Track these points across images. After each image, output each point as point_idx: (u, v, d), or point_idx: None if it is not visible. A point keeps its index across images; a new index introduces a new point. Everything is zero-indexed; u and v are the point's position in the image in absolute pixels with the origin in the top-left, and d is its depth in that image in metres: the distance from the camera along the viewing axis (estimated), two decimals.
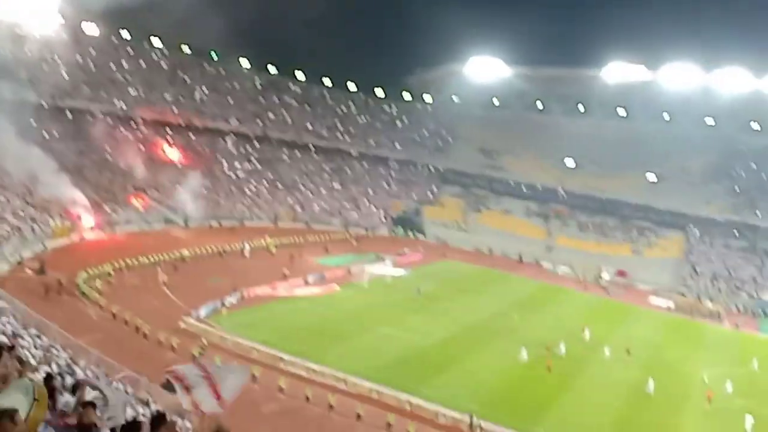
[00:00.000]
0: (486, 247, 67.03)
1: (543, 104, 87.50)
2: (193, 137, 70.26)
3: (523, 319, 42.42)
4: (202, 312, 34.74)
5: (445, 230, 70.91)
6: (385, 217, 72.84)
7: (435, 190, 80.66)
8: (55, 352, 24.90)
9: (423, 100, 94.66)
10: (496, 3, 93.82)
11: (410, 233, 70.52)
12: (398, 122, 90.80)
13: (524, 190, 77.76)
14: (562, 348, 35.93)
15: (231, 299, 37.66)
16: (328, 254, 54.52)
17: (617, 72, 76.99)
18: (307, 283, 44.41)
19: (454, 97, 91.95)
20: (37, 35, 58.98)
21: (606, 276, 60.39)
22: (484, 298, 47.61)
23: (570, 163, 79.04)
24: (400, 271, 51.23)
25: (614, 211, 72.93)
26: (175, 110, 70.21)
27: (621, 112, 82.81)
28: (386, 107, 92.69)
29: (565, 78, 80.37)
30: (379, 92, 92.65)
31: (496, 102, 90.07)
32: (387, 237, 68.73)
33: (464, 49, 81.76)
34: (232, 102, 77.79)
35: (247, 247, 50.19)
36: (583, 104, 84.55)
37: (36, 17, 59.54)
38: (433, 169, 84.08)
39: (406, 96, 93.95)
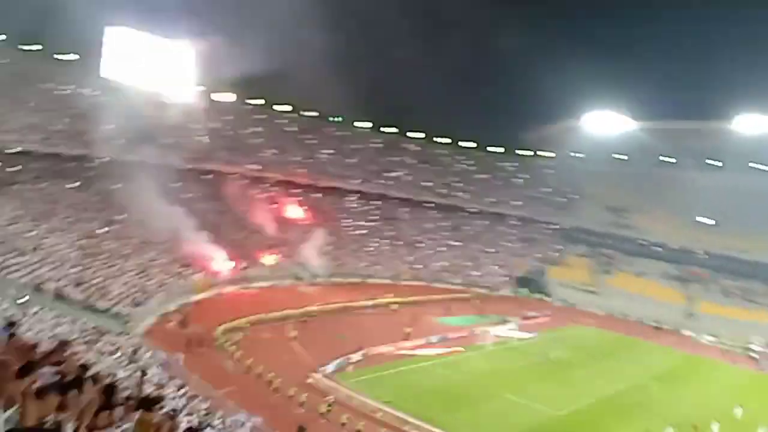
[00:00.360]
0: (619, 312, 63.60)
1: (671, 159, 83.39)
2: (318, 196, 73.13)
3: (665, 394, 39.21)
4: (329, 368, 35.26)
5: (572, 292, 68.19)
6: (508, 277, 71.31)
7: (560, 249, 78.29)
8: (195, 403, 26.07)
9: (543, 155, 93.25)
10: (617, 56, 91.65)
11: (535, 294, 68.49)
12: (518, 179, 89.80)
13: (657, 250, 73.60)
14: (715, 429, 32.62)
15: (356, 357, 38.01)
16: (450, 314, 53.96)
17: (749, 124, 72.25)
18: (429, 343, 44.03)
19: (576, 153, 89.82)
20: (178, 103, 64.43)
21: (756, 347, 55.22)
22: (619, 368, 44.50)
23: (706, 221, 74.17)
24: (526, 335, 49.66)
25: (761, 275, 67.10)
26: (302, 171, 73.66)
27: (757, 165, 77.23)
28: (505, 164, 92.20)
29: (692, 131, 76.16)
30: (497, 149, 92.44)
31: (620, 157, 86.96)
32: (510, 297, 67.09)
33: (584, 103, 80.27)
34: (354, 162, 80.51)
35: (370, 304, 50.86)
36: (714, 158, 79.66)
37: (177, 86, 65.26)
38: (556, 227, 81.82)
39: (525, 152, 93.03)
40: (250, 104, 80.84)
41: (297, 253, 58.53)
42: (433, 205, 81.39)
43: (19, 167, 50.28)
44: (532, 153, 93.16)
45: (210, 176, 64.85)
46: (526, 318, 55.30)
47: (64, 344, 5.03)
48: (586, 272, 72.38)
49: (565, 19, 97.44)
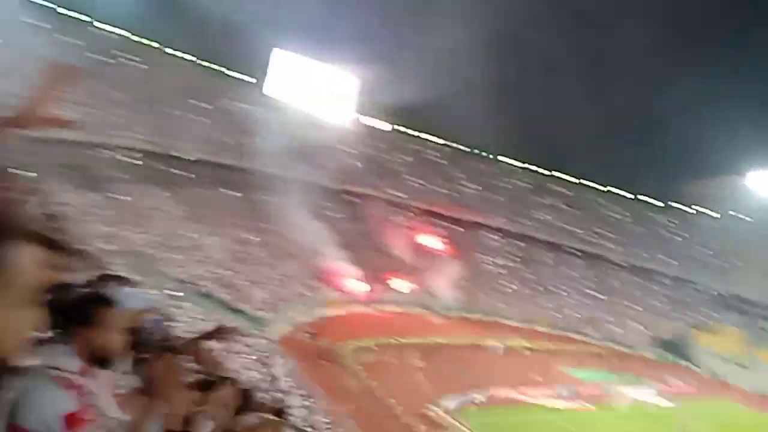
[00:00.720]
0: None
1: None
2: (459, 230, 72.94)
3: None
4: (451, 403, 34.82)
5: (720, 363, 62.12)
6: (651, 338, 66.60)
7: (712, 315, 72.01)
8: (317, 416, 26.78)
9: (704, 213, 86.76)
10: None
11: (679, 360, 63.31)
12: (674, 235, 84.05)
13: None
14: None
15: (479, 396, 37.23)
16: (583, 367, 51.24)
17: None
18: (558, 394, 42.13)
19: (741, 215, 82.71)
20: (334, 126, 67.43)
21: None
22: None
23: None
24: (665, 402, 45.98)
25: None
26: (446, 203, 74.00)
27: None
28: (661, 217, 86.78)
29: None
30: (655, 201, 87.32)
31: None
32: (651, 360, 62.29)
33: (751, 161, 74.17)
34: (500, 199, 79.56)
35: (499, 345, 49.68)
36: None
37: (335, 110, 68.46)
38: (711, 292, 75.40)
39: (684, 207, 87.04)
40: (402, 132, 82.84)
41: (431, 283, 58.60)
42: (579, 253, 78.17)
43: (190, 174, 55.12)
44: (691, 209, 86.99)
45: (355, 199, 67.01)
46: (667, 384, 51.20)
47: (224, 329, 5.19)
48: (737, 343, 65.72)
49: (734, 69, 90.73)
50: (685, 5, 78.80)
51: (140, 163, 52.00)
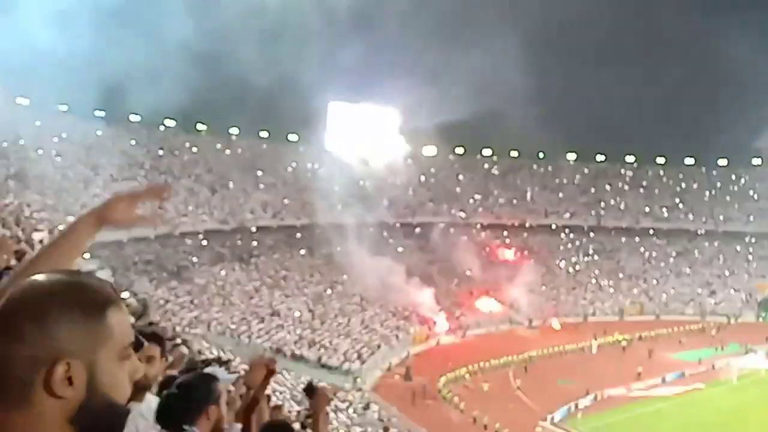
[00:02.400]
0: None
1: None
2: (528, 236, 72.32)
3: None
4: (557, 416, 34.43)
5: None
6: (749, 301, 63.71)
7: None
8: None
9: None
10: None
11: None
12: (751, 192, 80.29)
13: None
14: None
15: (584, 401, 36.65)
16: (685, 348, 49.42)
17: None
18: (664, 381, 40.95)
19: None
20: (386, 162, 68.68)
21: None
22: None
23: None
24: None
25: None
26: (509, 212, 73.66)
27: None
28: (733, 177, 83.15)
29: None
30: (723, 162, 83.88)
31: None
32: (753, 324, 59.44)
33: None
34: (562, 196, 78.45)
35: (594, 344, 48.71)
36: None
37: (385, 147, 69.90)
38: None
39: (756, 161, 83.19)
40: (453, 153, 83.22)
41: (511, 297, 58.24)
42: (653, 231, 75.92)
43: (260, 242, 57.26)
44: (763, 162, 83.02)
45: (419, 228, 67.61)
46: None
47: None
48: None
49: None
50: None
51: (210, 243, 54.33)
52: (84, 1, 46.26)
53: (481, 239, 69.42)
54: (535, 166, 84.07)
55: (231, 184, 60.32)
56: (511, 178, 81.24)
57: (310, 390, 5.04)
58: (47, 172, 45.44)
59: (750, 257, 71.21)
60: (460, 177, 78.62)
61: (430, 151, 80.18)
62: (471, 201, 74.28)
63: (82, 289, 1.09)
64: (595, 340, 49.42)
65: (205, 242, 54.29)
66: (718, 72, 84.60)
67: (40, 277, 1.12)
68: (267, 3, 57.41)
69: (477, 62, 64.11)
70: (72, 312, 1.05)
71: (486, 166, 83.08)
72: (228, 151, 66.20)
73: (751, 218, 74.97)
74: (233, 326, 42.52)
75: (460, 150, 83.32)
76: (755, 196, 78.87)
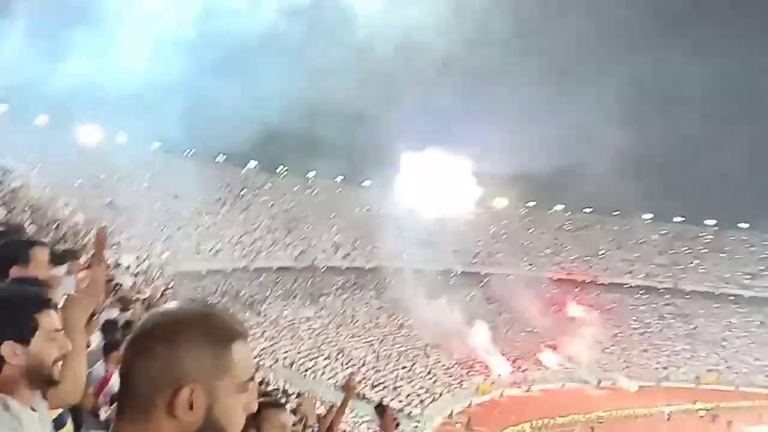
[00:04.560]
0: None
1: None
2: (600, 294, 70.69)
3: None
4: None
5: None
6: None
7: None
8: None
9: None
10: None
11: None
12: None
13: None
14: None
15: None
16: (765, 423, 46.71)
17: None
18: None
19: None
20: (458, 211, 69.21)
21: None
22: None
23: None
24: None
25: None
26: (582, 268, 72.37)
27: None
28: None
29: None
30: None
31: None
32: None
33: None
34: (637, 256, 76.53)
35: (667, 411, 46.77)
36: None
37: (457, 196, 70.66)
38: None
39: None
40: (525, 206, 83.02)
41: (581, 354, 56.81)
42: (735, 297, 72.67)
43: (331, 282, 58.65)
44: None
45: (486, 279, 67.32)
46: None
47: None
48: None
49: None
50: None
51: (282, 279, 56.07)
52: (182, 44, 50.21)
53: (550, 294, 68.33)
54: (609, 224, 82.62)
55: (305, 225, 62.33)
56: (583, 234, 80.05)
57: (381, 409, 5.72)
58: (138, 204, 48.52)
59: None
60: (531, 230, 78.15)
61: (501, 202, 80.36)
62: (541, 255, 73.57)
63: (212, 321, 1.19)
64: (669, 406, 47.43)
65: (277, 278, 56.10)
66: None
67: (174, 307, 1.22)
68: (351, 53, 60.17)
69: (556, 115, 64.55)
70: (201, 340, 1.15)
71: (558, 220, 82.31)
72: (305, 192, 68.61)
73: None
74: (300, 361, 43.45)
75: (531, 203, 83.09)
76: None
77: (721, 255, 78.22)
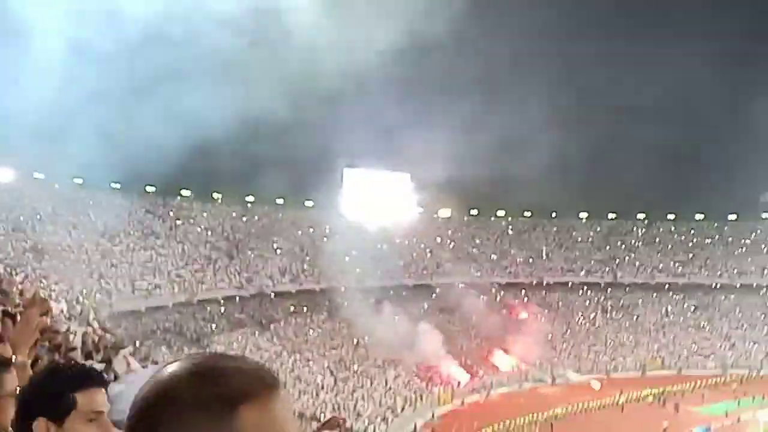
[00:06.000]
0: None
1: None
2: (546, 294, 72.38)
3: None
4: None
5: None
6: None
7: None
8: None
9: None
10: None
11: None
12: (763, 246, 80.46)
13: None
14: None
15: None
16: (709, 402, 48.59)
17: None
18: None
19: None
20: (403, 226, 69.57)
21: None
22: None
23: None
24: None
25: None
26: (526, 271, 74.02)
27: None
28: (744, 230, 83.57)
29: None
30: (732, 216, 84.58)
31: None
32: None
33: None
34: (577, 254, 78.87)
35: (619, 400, 48.07)
36: None
37: (400, 212, 71.02)
38: None
39: (766, 215, 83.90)
40: (468, 215, 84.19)
41: (532, 355, 57.79)
42: (670, 285, 75.85)
43: (279, 307, 57.43)
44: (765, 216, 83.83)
45: (438, 290, 67.70)
46: None
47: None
48: None
49: None
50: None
51: (229, 309, 54.52)
52: (100, 64, 47.46)
53: (500, 298, 69.46)
54: (548, 226, 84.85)
55: (248, 251, 60.96)
56: (525, 237, 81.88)
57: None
58: (64, 245, 46.21)
59: (767, 309, 70.73)
60: (476, 238, 79.29)
61: (445, 212, 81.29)
62: (487, 261, 74.73)
63: (210, 381, 0.88)
64: (620, 396, 48.76)
65: (223, 309, 54.51)
66: (724, 130, 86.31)
67: (172, 370, 0.91)
68: (283, 73, 59.30)
69: (492, 123, 65.87)
70: (199, 411, 0.85)
71: (500, 226, 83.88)
72: (244, 218, 67.16)
73: (766, 271, 74.94)
74: None
75: (474, 211, 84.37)
76: (767, 250, 79.09)
77: (653, 246, 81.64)
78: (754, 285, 73.70)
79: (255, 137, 60.00)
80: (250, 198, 70.22)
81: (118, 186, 59.58)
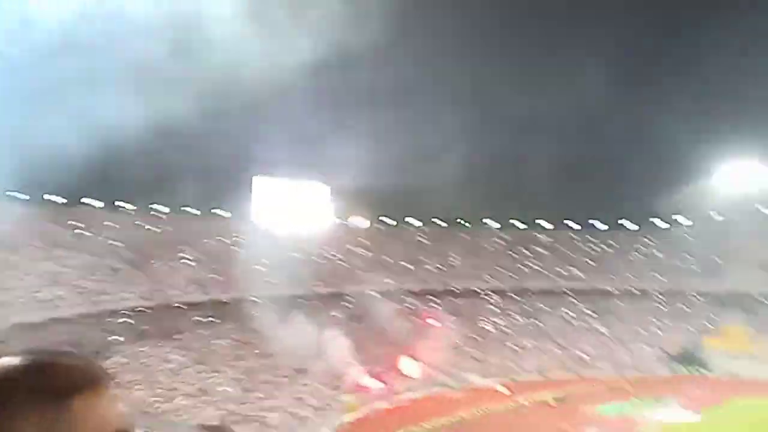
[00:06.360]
0: None
1: None
2: (455, 301, 74.19)
3: None
4: None
5: (733, 361, 62.89)
6: (662, 355, 67.25)
7: (713, 317, 72.83)
8: None
9: (679, 223, 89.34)
10: (744, 102, 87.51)
11: (693, 370, 63.97)
12: (656, 252, 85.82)
13: None
14: None
15: None
16: (605, 403, 51.42)
17: None
18: None
19: (714, 213, 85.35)
20: (317, 235, 69.74)
21: None
22: None
23: None
24: (689, 415, 46.30)
25: None
26: (437, 278, 75.64)
27: None
28: (639, 238, 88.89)
29: None
30: (629, 224, 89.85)
31: (765, 210, 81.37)
32: (667, 377, 62.85)
33: (715, 159, 77.22)
34: (485, 262, 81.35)
35: (524, 403, 50.05)
36: None
37: (314, 221, 71.13)
38: (706, 296, 76.36)
39: (659, 223, 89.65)
40: (380, 223, 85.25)
41: (439, 361, 59.13)
42: (571, 291, 79.55)
43: (187, 319, 56.16)
44: (668, 223, 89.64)
45: (349, 298, 68.13)
46: (687, 396, 51.48)
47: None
48: (744, 338, 66.62)
49: (671, 74, 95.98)
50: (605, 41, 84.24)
51: (133, 321, 52.94)
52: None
53: (411, 306, 70.58)
54: (458, 233, 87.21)
55: (155, 261, 59.37)
56: (436, 245, 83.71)
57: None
58: None
59: (661, 314, 75.35)
60: (387, 246, 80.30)
61: (357, 221, 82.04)
62: (399, 269, 75.77)
63: (45, 374, 0.95)
64: (524, 399, 50.77)
65: (128, 320, 52.93)
66: (623, 142, 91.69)
67: (8, 362, 0.98)
68: (198, 81, 58.24)
69: (404, 133, 67.36)
70: (29, 400, 0.90)
71: (412, 234, 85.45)
72: (152, 228, 65.43)
73: (658, 276, 79.85)
74: (158, 405, 41.30)
75: (386, 219, 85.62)
76: (661, 256, 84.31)
77: (557, 254, 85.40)
78: (648, 290, 78.49)
79: (165, 145, 58.70)
80: (158, 207, 68.56)
81: (15, 194, 56.98)
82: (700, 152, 76.83)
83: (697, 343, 68.05)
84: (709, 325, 71.34)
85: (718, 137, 75.76)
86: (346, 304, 67.03)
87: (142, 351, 49.91)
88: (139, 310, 53.86)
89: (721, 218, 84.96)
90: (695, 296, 76.71)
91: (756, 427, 43.78)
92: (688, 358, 65.77)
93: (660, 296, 77.76)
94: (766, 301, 70.78)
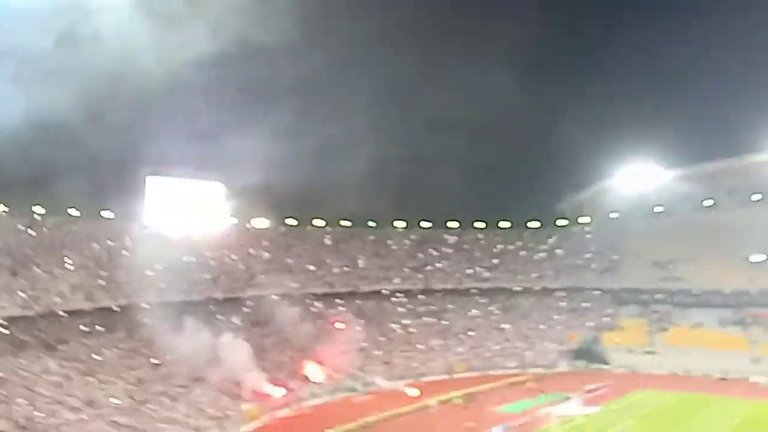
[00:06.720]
0: (682, 369, 60.79)
1: (713, 201, 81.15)
2: (362, 303, 73.18)
3: None
4: None
5: (631, 356, 65.43)
6: (563, 351, 68.96)
7: (611, 314, 75.64)
8: None
9: (579, 222, 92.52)
10: (640, 107, 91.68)
11: (593, 365, 66.00)
12: (558, 250, 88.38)
13: (712, 298, 70.17)
14: None
15: None
16: (509, 400, 51.82)
17: None
18: None
19: (613, 213, 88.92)
20: (215, 237, 66.75)
21: None
22: (692, 430, 42.12)
23: (758, 258, 70.93)
24: (590, 409, 47.21)
25: None
26: (344, 280, 74.27)
27: None
28: (543, 237, 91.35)
29: (729, 170, 74.68)
30: (533, 224, 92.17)
31: (659, 209, 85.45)
32: (568, 372, 64.51)
33: (614, 161, 79.99)
34: (392, 263, 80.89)
35: (431, 404, 49.63)
36: (757, 193, 76.95)
37: (212, 222, 68.05)
38: (604, 292, 79.21)
39: (561, 222, 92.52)
40: (285, 225, 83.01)
41: (345, 364, 57.91)
42: (477, 290, 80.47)
43: (73, 328, 51.91)
44: (568, 222, 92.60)
45: (250, 302, 65.62)
46: (587, 391, 52.73)
47: None
48: (641, 333, 69.56)
49: (572, 79, 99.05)
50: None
51: (12, 330, 48.41)
52: None
53: (316, 309, 68.94)
54: (365, 234, 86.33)
55: (35, 267, 54.66)
56: (343, 246, 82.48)
57: None
58: None
59: (562, 311, 77.53)
60: (292, 248, 78.34)
61: (260, 223, 79.49)
62: (304, 271, 73.96)
63: None
64: (430, 400, 50.31)
65: (6, 330, 48.32)
66: (528, 143, 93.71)
67: None
68: (85, 74, 54.18)
69: (309, 132, 65.47)
70: None
71: (318, 236, 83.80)
72: (31, 231, 60.30)
73: (560, 274, 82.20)
74: (40, 420, 37.68)
75: (291, 221, 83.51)
76: (563, 254, 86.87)
77: (463, 253, 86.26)
78: (550, 288, 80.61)
79: (46, 141, 54.05)
80: (39, 209, 63.31)
81: None
82: (600, 155, 79.59)
83: (596, 338, 70.36)
84: (608, 321, 73.98)
85: (617, 141, 78.83)
86: (246, 309, 64.55)
87: (22, 363, 45.64)
88: (18, 320, 49.25)
89: (618, 217, 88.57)
90: (594, 293, 79.41)
91: (651, 418, 45.25)
92: (588, 354, 67.79)
93: (561, 293, 79.98)
94: (660, 297, 74.17)
